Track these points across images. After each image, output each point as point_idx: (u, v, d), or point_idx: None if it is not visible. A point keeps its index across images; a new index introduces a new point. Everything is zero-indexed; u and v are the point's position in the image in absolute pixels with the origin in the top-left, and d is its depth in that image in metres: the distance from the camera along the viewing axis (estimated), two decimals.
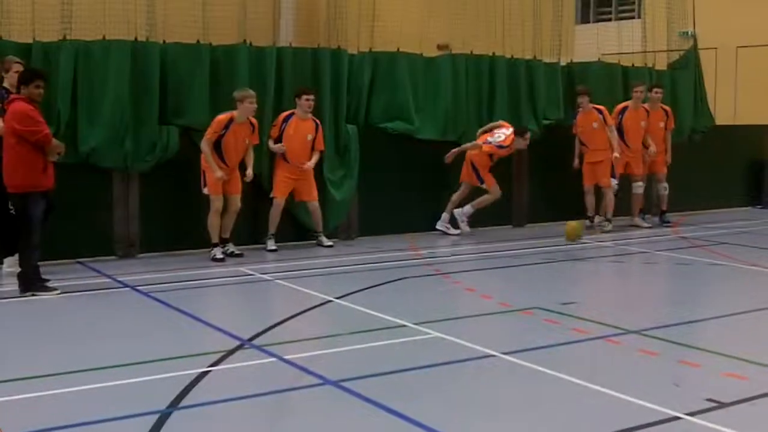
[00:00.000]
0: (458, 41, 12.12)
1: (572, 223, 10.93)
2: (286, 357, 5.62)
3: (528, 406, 4.88)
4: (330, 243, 10.35)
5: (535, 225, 12.18)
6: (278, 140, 9.96)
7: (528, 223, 12.34)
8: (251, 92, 9.36)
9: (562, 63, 12.88)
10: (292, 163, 9.99)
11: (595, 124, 11.74)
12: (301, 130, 9.99)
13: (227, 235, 9.52)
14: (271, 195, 9.99)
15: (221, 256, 9.22)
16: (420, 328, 6.40)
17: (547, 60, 12.65)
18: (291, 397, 4.96)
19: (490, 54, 12.05)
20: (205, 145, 9.17)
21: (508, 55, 12.26)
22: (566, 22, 13.37)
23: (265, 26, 10.60)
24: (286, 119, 9.98)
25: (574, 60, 13.30)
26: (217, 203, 9.25)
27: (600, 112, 11.79)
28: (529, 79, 12.33)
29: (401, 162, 11.24)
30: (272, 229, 10.00)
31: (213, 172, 9.10)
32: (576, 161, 11.97)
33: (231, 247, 9.54)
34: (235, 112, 9.25)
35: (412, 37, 11.79)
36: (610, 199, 11.85)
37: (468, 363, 5.60)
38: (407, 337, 6.19)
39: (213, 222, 9.27)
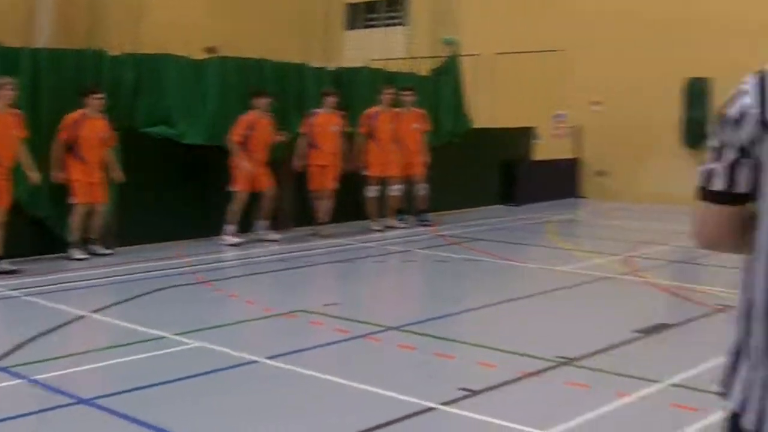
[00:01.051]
0: (227, 44, 11.98)
1: None
2: (36, 377, 5.28)
3: (288, 409, 4.90)
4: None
5: (299, 229, 11.91)
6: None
7: (296, 227, 12.20)
8: (8, 78, 8.79)
9: (331, 68, 13.07)
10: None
11: (334, 128, 11.84)
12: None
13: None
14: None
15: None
16: (180, 338, 6.24)
17: (315, 64, 12.78)
18: (43, 419, 4.66)
19: (259, 58, 12.01)
20: None
21: (277, 59, 12.28)
22: (335, 27, 13.65)
23: (19, 26, 9.99)
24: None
25: (343, 65, 13.54)
26: None
27: (343, 117, 12.00)
28: (299, 83, 12.39)
29: (167, 167, 10.86)
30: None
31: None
32: (299, 163, 11.75)
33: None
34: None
35: (180, 40, 11.53)
36: (329, 207, 11.80)
37: (230, 371, 5.55)
38: (167, 349, 6.01)
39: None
